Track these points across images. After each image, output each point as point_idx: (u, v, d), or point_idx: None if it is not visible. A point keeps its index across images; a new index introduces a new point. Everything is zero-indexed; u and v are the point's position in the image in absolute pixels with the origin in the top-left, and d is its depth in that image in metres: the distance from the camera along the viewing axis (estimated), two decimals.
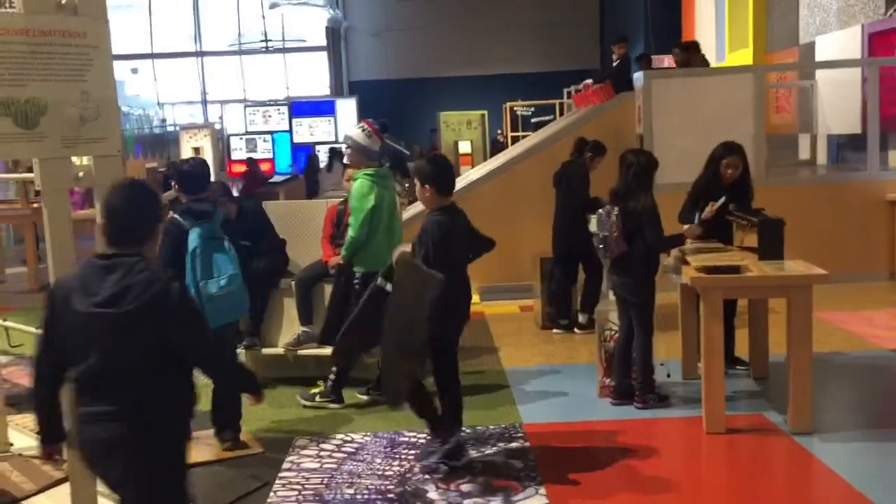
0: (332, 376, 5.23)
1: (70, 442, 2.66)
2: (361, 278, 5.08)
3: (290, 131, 19.33)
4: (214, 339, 2.76)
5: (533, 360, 6.19)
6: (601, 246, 4.91)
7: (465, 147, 15.73)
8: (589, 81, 10.15)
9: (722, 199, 5.12)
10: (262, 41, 20.01)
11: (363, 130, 5.15)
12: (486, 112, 17.08)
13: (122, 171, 3.21)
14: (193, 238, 4.32)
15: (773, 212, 5.10)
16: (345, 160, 5.70)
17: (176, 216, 4.43)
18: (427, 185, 4.16)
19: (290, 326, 5.72)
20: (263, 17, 19.31)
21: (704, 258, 4.91)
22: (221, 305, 4.27)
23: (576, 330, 6.88)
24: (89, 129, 3.05)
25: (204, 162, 5.05)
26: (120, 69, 23.06)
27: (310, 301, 5.66)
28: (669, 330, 5.81)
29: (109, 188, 2.62)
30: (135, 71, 23.36)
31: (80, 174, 3.09)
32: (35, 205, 10.70)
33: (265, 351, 5.70)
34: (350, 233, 5.04)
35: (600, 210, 4.94)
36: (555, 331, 6.94)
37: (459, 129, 15.74)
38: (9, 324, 4.20)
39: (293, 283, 5.71)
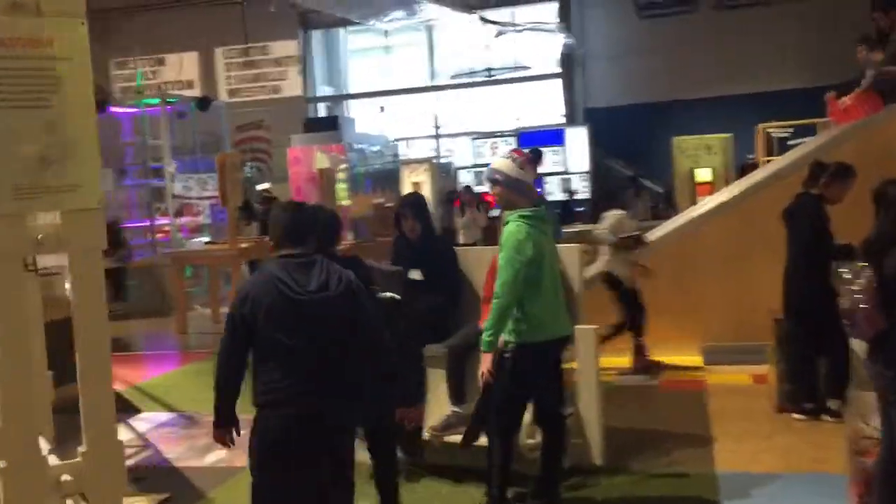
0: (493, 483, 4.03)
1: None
2: (513, 352, 3.90)
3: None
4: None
5: (760, 462, 4.63)
6: (847, 322, 3.37)
7: (703, 174, 13.94)
8: (832, 94, 7.95)
9: None
10: (486, 70, 19.39)
11: (513, 160, 4.00)
12: (730, 135, 15.13)
13: (103, 228, 2.31)
14: None
15: None
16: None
17: None
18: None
19: (437, 405, 4.65)
20: (487, 46, 18.67)
21: None
22: None
23: (825, 417, 5.19)
24: (55, 173, 2.20)
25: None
26: (360, 107, 23.57)
27: (463, 375, 4.58)
28: None
29: (275, 209, 3.34)
30: (382, 109, 23.80)
31: (40, 237, 2.24)
32: (243, 245, 10.62)
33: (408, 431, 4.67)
34: (496, 293, 3.85)
35: (843, 268, 3.39)
36: (795, 416, 5.28)
37: (696, 155, 13.99)
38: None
39: (445, 350, 4.66)
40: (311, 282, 3.01)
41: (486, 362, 3.85)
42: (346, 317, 3.06)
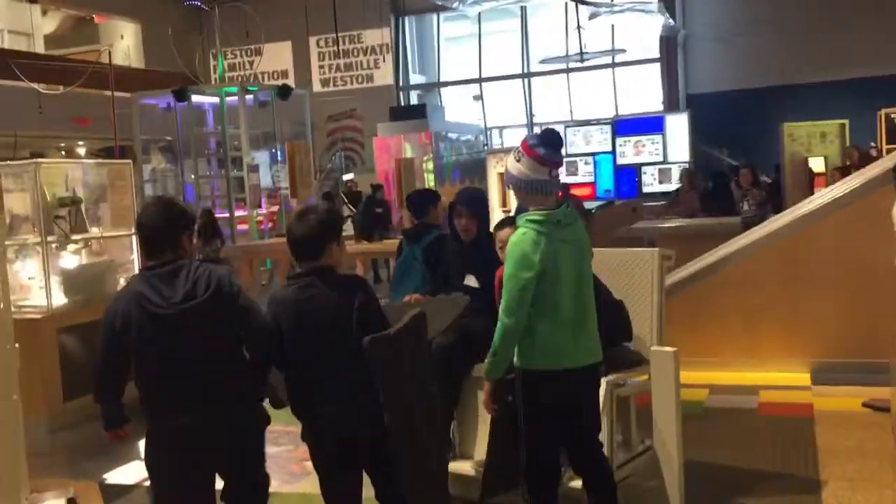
0: None
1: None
2: (520, 378, 3.25)
3: (614, 152, 17.61)
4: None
5: None
6: None
7: (817, 164, 12.73)
8: None
9: None
10: (579, 54, 18.42)
11: (515, 153, 3.28)
12: (846, 121, 13.84)
13: None
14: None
15: None
16: None
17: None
18: None
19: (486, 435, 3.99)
20: (579, 27, 17.72)
21: None
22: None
23: None
24: None
25: (429, 191, 6.16)
26: (453, 95, 23.13)
27: None
28: None
29: (142, 208, 3.15)
30: (477, 98, 23.26)
31: None
32: None
33: (453, 466, 4.01)
34: (500, 315, 3.17)
35: None
36: None
37: (809, 143, 12.78)
38: None
39: None
40: (177, 292, 2.80)
41: (485, 392, 3.27)
42: (218, 325, 2.86)
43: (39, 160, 6.13)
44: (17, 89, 14.17)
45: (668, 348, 3.76)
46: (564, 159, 18.09)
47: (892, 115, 15.15)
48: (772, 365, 6.13)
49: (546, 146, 3.22)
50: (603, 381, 3.59)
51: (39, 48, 21.55)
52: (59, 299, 6.25)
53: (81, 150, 21.06)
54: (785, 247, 6.39)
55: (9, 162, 5.96)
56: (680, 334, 5.17)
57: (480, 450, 3.96)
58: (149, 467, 2.97)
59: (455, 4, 14.02)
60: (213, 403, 2.84)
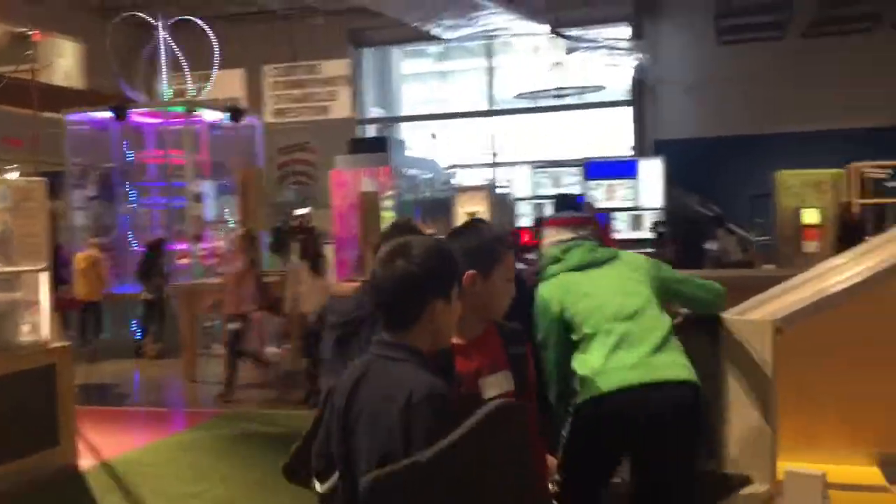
0: None
1: None
2: None
3: (583, 196, 16.72)
4: None
5: None
6: None
7: (811, 216, 11.89)
8: None
9: None
10: (552, 90, 17.60)
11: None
12: (842, 171, 13.16)
13: None
14: None
15: None
16: None
17: None
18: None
19: None
20: (558, 63, 16.94)
21: None
22: None
23: None
24: None
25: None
26: (412, 132, 22.22)
27: None
28: None
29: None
30: (433, 136, 22.34)
31: None
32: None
33: None
34: None
35: None
36: None
37: (803, 194, 11.96)
38: None
39: None
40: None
41: None
42: None
43: None
44: None
45: (813, 470, 2.60)
46: (532, 201, 17.24)
47: (864, 171, 14.60)
48: (833, 457, 5.01)
49: (559, 209, 2.39)
50: None
51: None
52: None
53: (14, 175, 19.45)
54: (843, 317, 5.32)
55: None
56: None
57: None
58: None
59: (428, 28, 13.00)
60: None
